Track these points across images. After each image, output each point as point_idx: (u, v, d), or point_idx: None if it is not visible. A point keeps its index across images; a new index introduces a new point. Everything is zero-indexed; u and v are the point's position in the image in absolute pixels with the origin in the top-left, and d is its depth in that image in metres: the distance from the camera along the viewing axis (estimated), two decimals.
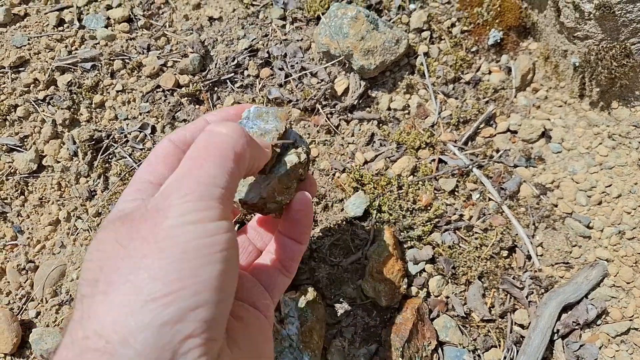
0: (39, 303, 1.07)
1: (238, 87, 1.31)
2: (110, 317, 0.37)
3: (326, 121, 1.24)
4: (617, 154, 1.10)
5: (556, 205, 1.08)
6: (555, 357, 0.94)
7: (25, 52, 1.40)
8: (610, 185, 1.07)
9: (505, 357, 0.94)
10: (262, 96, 1.28)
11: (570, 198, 1.08)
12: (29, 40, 1.42)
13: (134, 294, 0.37)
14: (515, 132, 1.19)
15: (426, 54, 1.30)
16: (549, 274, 1.01)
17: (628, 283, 0.98)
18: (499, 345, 0.96)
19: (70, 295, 1.07)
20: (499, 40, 1.30)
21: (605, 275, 0.98)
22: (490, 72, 1.30)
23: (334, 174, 1.19)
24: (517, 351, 0.94)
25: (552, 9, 1.16)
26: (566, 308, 0.97)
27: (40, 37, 1.42)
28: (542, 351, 0.91)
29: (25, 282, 1.10)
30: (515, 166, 1.13)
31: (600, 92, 1.15)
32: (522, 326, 0.97)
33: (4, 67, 1.38)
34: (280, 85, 1.30)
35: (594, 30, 1.07)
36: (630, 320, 0.96)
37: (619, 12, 1.01)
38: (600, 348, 0.94)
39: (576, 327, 0.95)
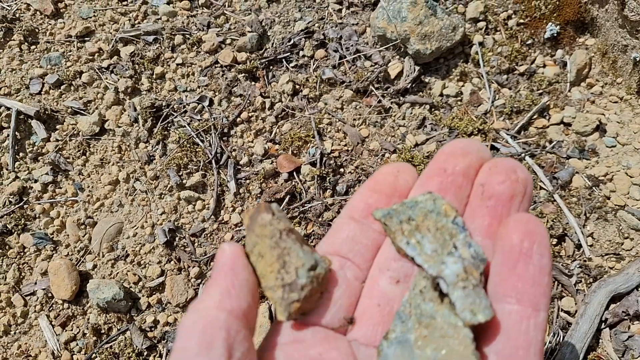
0: (96, 256, 1.12)
1: (293, 67, 1.35)
2: None
3: (378, 103, 1.26)
4: None
5: (609, 198, 1.07)
6: (602, 345, 0.94)
7: (90, 23, 1.47)
8: None
9: (551, 342, 0.94)
10: (316, 76, 1.31)
11: (623, 191, 1.07)
12: (94, 12, 1.49)
13: None
14: (568, 124, 1.18)
15: (481, 44, 1.31)
16: (598, 263, 1.00)
17: None
18: (546, 330, 0.96)
19: (126, 251, 1.12)
20: (555, 35, 1.29)
21: None
22: (544, 66, 1.30)
23: (383, 155, 1.20)
24: (563, 336, 0.93)
25: (615, 2, 1.15)
26: (615, 298, 0.96)
27: (106, 10, 1.49)
28: (590, 338, 0.91)
29: (83, 236, 1.15)
30: (568, 157, 1.13)
31: None
32: (568, 313, 0.97)
33: (71, 37, 1.44)
34: (334, 67, 1.33)
35: None
36: None
37: None
38: None
39: (625, 318, 0.94)
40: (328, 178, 1.18)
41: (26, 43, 1.42)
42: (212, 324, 0.35)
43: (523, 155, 1.14)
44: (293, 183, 1.18)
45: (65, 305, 1.07)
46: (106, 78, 1.36)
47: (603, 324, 0.95)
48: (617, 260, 1.02)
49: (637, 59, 1.15)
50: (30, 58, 1.40)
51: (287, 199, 1.15)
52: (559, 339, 0.95)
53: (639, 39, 1.14)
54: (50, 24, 1.48)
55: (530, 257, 0.33)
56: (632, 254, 1.02)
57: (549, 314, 0.98)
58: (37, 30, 1.45)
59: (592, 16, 1.28)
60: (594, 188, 1.10)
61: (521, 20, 1.33)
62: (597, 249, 1.04)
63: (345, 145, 1.25)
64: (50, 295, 1.08)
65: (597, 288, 0.97)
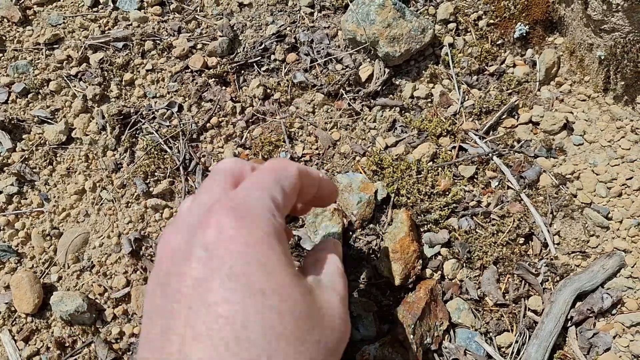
0: (61, 268, 1.12)
1: (264, 71, 1.35)
2: None
3: (349, 106, 1.27)
4: (639, 148, 1.11)
5: (575, 196, 1.09)
6: (568, 343, 0.95)
7: (60, 30, 1.47)
8: (631, 178, 1.08)
9: (517, 341, 0.95)
10: (288, 80, 1.31)
11: (590, 189, 1.09)
12: (64, 19, 1.49)
13: None
14: (537, 123, 1.20)
15: (451, 45, 1.33)
16: (565, 262, 1.02)
17: None
18: (512, 330, 0.97)
19: (92, 261, 1.12)
20: (524, 34, 1.31)
21: (622, 265, 0.99)
22: (514, 65, 1.32)
23: (354, 157, 1.21)
24: (530, 336, 0.95)
25: (579, 1, 1.17)
26: (581, 296, 0.98)
27: (75, 16, 1.49)
28: (555, 337, 0.92)
29: (49, 248, 1.15)
30: (536, 156, 1.15)
31: (625, 85, 1.16)
32: (535, 312, 0.98)
33: (39, 44, 1.44)
34: (306, 70, 1.34)
35: (621, 22, 1.08)
36: None
37: None
38: (614, 337, 0.94)
39: (590, 315, 0.95)
40: None
41: None
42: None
43: (491, 155, 1.15)
44: None
45: (29, 319, 1.07)
46: (74, 86, 1.36)
47: (569, 322, 0.96)
48: (583, 258, 1.03)
49: (602, 57, 1.17)
50: None
51: None
52: (525, 338, 0.96)
53: (602, 37, 1.16)
54: (18, 32, 1.47)
55: None
56: (598, 251, 1.04)
57: (516, 314, 1.00)
58: (4, 38, 1.44)
59: (559, 15, 1.30)
60: (560, 186, 1.11)
61: (491, 21, 1.35)
62: (563, 247, 1.05)
63: (317, 149, 1.25)
64: (13, 309, 1.08)
65: (562, 286, 0.98)
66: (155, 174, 1.20)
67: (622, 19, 1.08)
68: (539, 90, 1.28)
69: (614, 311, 0.98)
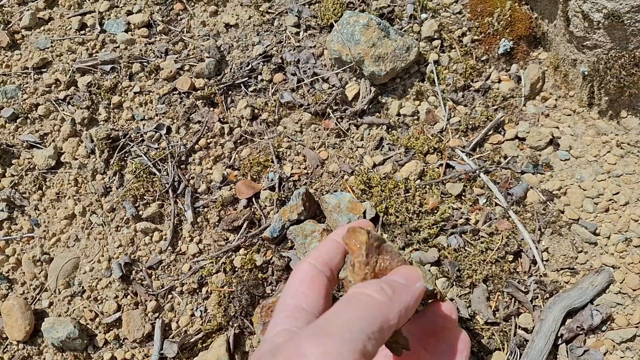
0: (52, 294, 1.11)
1: (252, 91, 1.36)
2: None
3: (336, 125, 1.27)
4: (625, 163, 1.12)
5: (563, 212, 1.09)
6: None
7: (48, 54, 1.47)
8: (617, 193, 1.08)
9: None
10: (275, 100, 1.31)
11: (577, 205, 1.09)
12: (52, 43, 1.49)
13: None
14: (523, 139, 1.20)
15: (436, 62, 1.33)
16: (554, 279, 1.02)
17: (634, 290, 0.99)
18: (503, 348, 0.97)
19: (83, 286, 1.11)
20: (509, 50, 1.32)
21: (611, 281, 0.99)
22: (500, 81, 1.32)
23: (342, 176, 1.21)
24: (521, 354, 0.94)
25: (561, 18, 1.18)
26: (571, 313, 0.98)
27: (63, 40, 1.49)
28: (546, 355, 0.92)
29: (39, 273, 1.14)
30: (523, 172, 1.15)
31: (609, 101, 1.17)
32: (526, 330, 0.98)
33: (28, 68, 1.44)
34: (293, 90, 1.34)
35: (603, 39, 1.09)
36: (636, 327, 0.96)
37: (628, 21, 1.03)
38: (604, 354, 0.94)
39: (580, 332, 0.95)
40: (288, 202, 1.18)
41: None
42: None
43: (478, 172, 1.15)
44: (252, 209, 1.18)
45: (20, 346, 1.06)
46: (63, 110, 1.36)
47: (559, 339, 0.96)
48: (572, 274, 1.03)
49: (585, 73, 1.18)
50: None
51: (245, 226, 1.15)
52: (516, 357, 0.95)
53: (585, 53, 1.16)
54: (6, 56, 1.47)
55: None
56: (586, 267, 1.04)
57: (507, 332, 0.99)
58: None
59: (542, 31, 1.31)
60: (548, 202, 1.11)
61: (475, 37, 1.36)
62: (552, 263, 1.05)
63: (305, 168, 1.25)
64: (4, 336, 1.07)
65: (552, 304, 0.98)
66: (145, 197, 1.20)
67: (603, 35, 1.09)
68: (524, 105, 1.29)
69: (604, 328, 0.98)
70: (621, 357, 0.94)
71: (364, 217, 1.11)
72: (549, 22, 1.27)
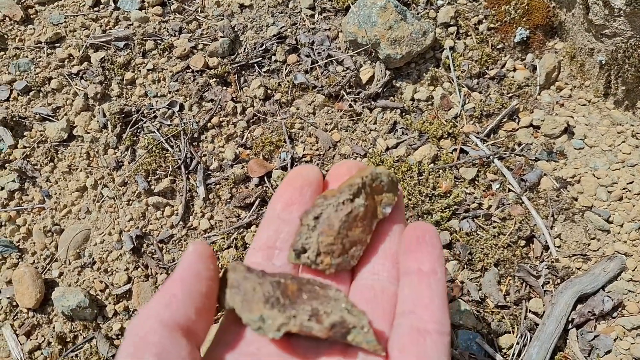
0: (62, 264, 1.11)
1: (265, 72, 1.35)
2: None
3: (350, 107, 1.27)
4: None
5: (576, 199, 1.09)
6: (568, 346, 0.95)
7: (61, 29, 1.46)
8: (632, 182, 1.08)
9: (518, 343, 0.95)
10: (288, 81, 1.31)
11: (590, 193, 1.09)
12: (65, 18, 1.48)
13: None
14: (537, 127, 1.20)
15: (452, 49, 1.33)
16: (565, 264, 1.02)
17: None
18: (513, 331, 0.97)
19: (93, 258, 1.11)
20: (525, 39, 1.32)
21: (623, 269, 0.99)
22: (515, 69, 1.32)
23: (354, 159, 1.21)
24: (531, 337, 0.94)
25: (580, 6, 1.18)
26: (582, 299, 0.98)
27: (77, 16, 1.49)
28: (556, 338, 0.92)
29: (50, 244, 1.14)
30: (537, 160, 1.15)
31: (625, 90, 1.16)
32: (536, 314, 0.98)
33: (41, 43, 1.44)
34: (306, 72, 1.34)
35: (623, 27, 1.08)
36: None
37: None
38: (615, 340, 0.94)
39: (591, 318, 0.95)
40: None
41: None
42: (146, 338, 0.36)
43: (492, 158, 1.15)
44: (264, 188, 1.18)
45: (30, 313, 1.06)
46: (76, 84, 1.36)
47: (570, 324, 0.96)
48: (584, 260, 1.03)
49: (603, 62, 1.17)
50: None
51: (257, 203, 1.15)
52: (526, 340, 0.95)
53: (603, 42, 1.16)
54: (20, 30, 1.47)
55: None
56: (599, 254, 1.04)
57: (517, 315, 0.99)
58: (6, 36, 1.44)
59: (560, 20, 1.31)
60: (561, 190, 1.11)
61: (492, 25, 1.35)
62: (564, 250, 1.05)
63: (317, 149, 1.25)
64: (15, 304, 1.07)
65: (563, 289, 0.98)
66: (157, 172, 1.20)
67: (623, 23, 1.09)
68: (539, 94, 1.28)
69: (614, 314, 0.98)
70: (631, 344, 0.94)
71: None
72: (567, 10, 1.27)
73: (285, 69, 1.36)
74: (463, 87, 1.29)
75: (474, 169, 1.14)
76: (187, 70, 1.37)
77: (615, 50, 1.14)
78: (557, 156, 1.16)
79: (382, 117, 1.27)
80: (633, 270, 1.00)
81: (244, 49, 1.40)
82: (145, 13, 1.47)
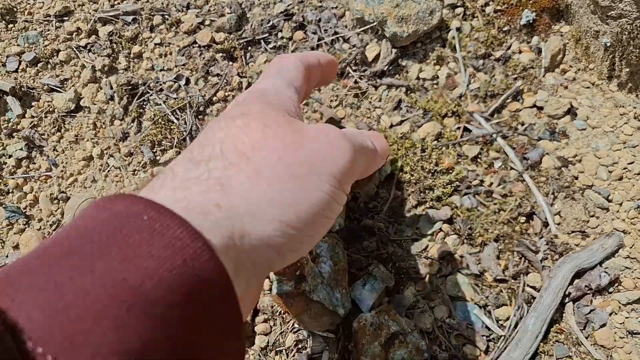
0: None
1: (271, 48, 1.36)
2: None
3: (355, 84, 1.28)
4: None
5: (577, 178, 1.10)
6: (565, 319, 0.96)
7: (70, 3, 1.47)
8: (632, 163, 1.09)
9: (515, 315, 0.96)
10: None
11: (591, 172, 1.10)
12: None
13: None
14: (541, 108, 1.21)
15: (458, 29, 1.34)
16: (564, 240, 1.03)
17: None
18: (510, 304, 0.98)
19: None
20: (531, 21, 1.32)
21: (621, 246, 1.01)
22: (520, 52, 1.33)
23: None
24: (528, 310, 0.96)
25: None
26: (579, 274, 0.99)
27: None
28: (553, 311, 0.94)
29: (56, 211, 1.16)
30: (539, 139, 1.16)
31: (629, 72, 1.17)
32: (534, 288, 1.00)
33: (50, 16, 1.45)
34: (313, 49, 1.35)
35: (629, 8, 1.09)
36: None
37: None
38: (610, 314, 0.96)
39: (588, 292, 0.97)
40: None
41: (4, 22, 1.43)
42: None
43: (495, 136, 1.16)
44: None
45: None
46: (83, 57, 1.37)
47: (567, 297, 0.98)
48: (583, 237, 1.05)
49: (608, 45, 1.18)
50: (7, 36, 1.41)
51: None
52: (523, 312, 0.97)
53: (609, 24, 1.17)
54: (29, 3, 1.48)
55: None
56: (597, 231, 1.05)
57: (515, 289, 1.01)
58: (15, 9, 1.45)
59: (566, 3, 1.31)
60: (562, 168, 1.13)
61: (498, 7, 1.36)
62: (563, 226, 1.07)
63: None
64: None
65: (562, 263, 0.99)
66: (162, 143, 1.21)
67: (629, 4, 1.09)
68: (543, 76, 1.29)
69: (611, 289, 0.99)
70: (626, 318, 0.95)
71: (380, 173, 1.13)
72: None
73: (292, 46, 1.37)
74: (468, 67, 1.30)
75: (477, 147, 1.16)
76: (194, 45, 1.39)
77: (620, 32, 1.15)
78: (559, 136, 1.17)
79: (387, 95, 1.28)
80: (630, 248, 1.01)
81: (251, 25, 1.41)
82: None
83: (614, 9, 1.14)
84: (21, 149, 1.22)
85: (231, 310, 0.37)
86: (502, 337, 0.96)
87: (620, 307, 0.97)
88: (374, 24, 1.29)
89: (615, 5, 1.12)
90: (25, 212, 1.16)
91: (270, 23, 1.40)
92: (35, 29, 1.43)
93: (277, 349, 0.99)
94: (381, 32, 1.31)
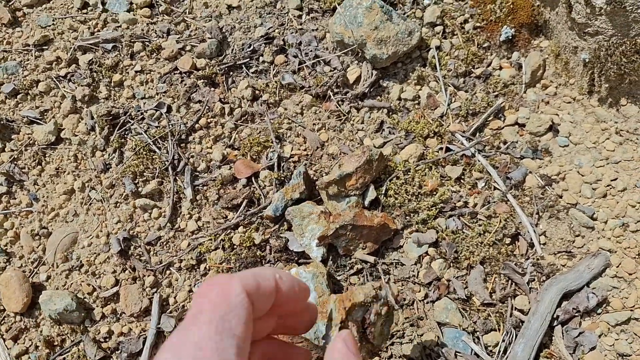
0: (49, 267, 1.11)
1: (253, 72, 1.35)
2: None
3: (337, 107, 1.27)
4: (624, 149, 1.12)
5: (561, 196, 1.09)
6: (554, 342, 0.95)
7: (49, 31, 1.45)
8: (615, 179, 1.08)
9: (504, 340, 0.95)
10: (276, 81, 1.31)
11: (575, 190, 1.09)
12: (53, 20, 1.47)
13: None
14: (523, 125, 1.20)
15: (438, 48, 1.32)
16: (551, 261, 1.02)
17: (630, 274, 0.99)
18: (499, 329, 0.97)
19: (81, 261, 1.10)
20: (510, 37, 1.31)
21: (608, 265, 0.99)
22: (501, 68, 1.32)
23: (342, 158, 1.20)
24: (516, 335, 0.94)
25: (563, 5, 1.17)
26: (567, 295, 0.98)
27: (65, 18, 1.47)
28: (541, 335, 0.92)
29: (37, 247, 1.13)
30: (522, 157, 1.15)
31: (609, 88, 1.16)
32: (522, 311, 0.98)
33: (29, 45, 1.43)
34: (294, 72, 1.33)
35: (605, 26, 1.08)
36: (631, 310, 0.96)
37: (630, 7, 1.03)
38: (599, 336, 0.94)
39: (576, 315, 0.95)
40: (287, 182, 1.18)
41: None
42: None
43: (475, 153, 1.15)
44: (251, 188, 1.18)
45: (17, 317, 1.05)
46: (64, 87, 1.35)
47: (555, 321, 0.96)
48: (569, 257, 1.03)
49: (586, 60, 1.17)
50: None
51: (244, 204, 1.15)
52: (512, 337, 0.95)
53: (586, 40, 1.16)
54: (7, 33, 1.46)
55: None
56: (583, 251, 1.04)
57: (503, 313, 0.99)
58: None
59: (544, 19, 1.30)
60: (546, 187, 1.11)
61: (477, 24, 1.35)
62: (549, 247, 1.05)
63: (305, 149, 1.25)
64: (1, 308, 1.06)
65: (548, 285, 0.98)
66: (144, 174, 1.19)
67: (605, 22, 1.09)
68: (524, 92, 1.28)
69: (599, 310, 0.98)
70: (616, 339, 0.94)
71: (363, 198, 1.11)
72: (551, 9, 1.27)
73: (273, 70, 1.35)
74: (449, 86, 1.29)
75: (460, 168, 1.14)
76: (175, 72, 1.36)
77: (598, 49, 1.14)
78: (542, 154, 1.16)
79: (369, 117, 1.27)
80: (617, 267, 1.00)
81: (232, 50, 1.39)
82: (134, 15, 1.46)
83: (590, 26, 1.13)
84: (1, 184, 1.20)
85: None
86: None
87: (609, 328, 0.95)
88: (354, 46, 1.27)
89: (592, 22, 1.12)
90: (6, 249, 1.14)
91: (251, 47, 1.38)
92: (15, 59, 1.40)
93: None
94: (361, 54, 1.30)
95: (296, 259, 1.08)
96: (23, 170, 1.23)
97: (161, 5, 1.47)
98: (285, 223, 1.12)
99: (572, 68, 1.25)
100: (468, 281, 1.02)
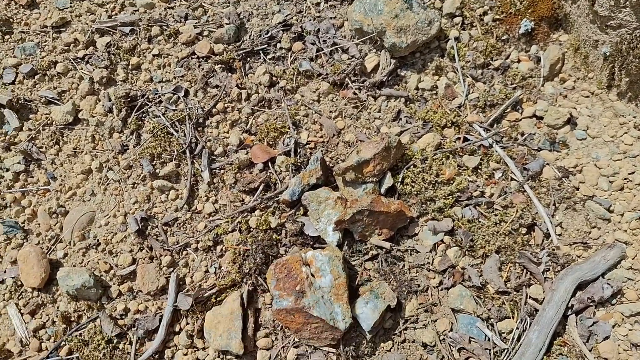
0: (67, 245, 1.12)
1: (270, 59, 1.35)
2: None
3: (354, 95, 1.27)
4: None
5: (578, 188, 1.09)
6: (568, 331, 0.96)
7: (67, 14, 1.46)
8: (633, 173, 1.09)
9: (518, 328, 0.95)
10: (293, 68, 1.31)
11: (592, 182, 1.09)
12: (71, 3, 1.48)
13: None
14: (541, 117, 1.21)
15: (457, 39, 1.33)
16: (566, 252, 1.02)
17: None
18: (513, 316, 0.97)
19: (98, 239, 1.11)
20: (530, 30, 1.32)
21: (623, 257, 1.00)
22: (519, 61, 1.32)
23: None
24: (530, 323, 0.95)
25: None
26: (582, 285, 0.98)
27: (82, 1, 1.48)
28: (556, 324, 0.93)
29: (55, 225, 1.14)
30: (539, 149, 1.15)
31: (629, 82, 1.17)
32: (536, 300, 0.99)
33: (47, 27, 1.43)
34: (311, 59, 1.34)
35: (629, 18, 1.09)
36: None
37: None
38: (613, 326, 0.95)
39: (591, 304, 0.96)
40: (304, 168, 1.18)
41: (0, 33, 1.41)
42: None
43: (492, 143, 1.15)
44: (268, 173, 1.18)
45: (35, 293, 1.07)
46: (81, 68, 1.36)
47: (569, 310, 0.97)
48: (585, 248, 1.04)
49: (607, 54, 1.17)
50: (4, 48, 1.39)
51: (261, 188, 1.16)
52: (526, 325, 0.96)
53: (608, 34, 1.16)
54: (25, 14, 1.46)
55: None
56: (599, 242, 1.04)
57: (517, 301, 1.00)
58: (11, 20, 1.44)
59: (565, 12, 1.30)
60: (563, 179, 1.12)
61: (497, 16, 1.35)
62: (565, 237, 1.06)
63: (321, 137, 1.25)
64: (19, 283, 1.07)
65: (564, 275, 0.98)
66: (162, 156, 1.20)
67: (629, 14, 1.09)
68: (542, 85, 1.28)
69: (613, 301, 0.98)
70: (630, 330, 0.94)
71: (380, 185, 1.11)
72: (572, 2, 1.27)
73: (291, 57, 1.36)
74: (467, 77, 1.29)
75: (477, 158, 1.15)
76: (193, 56, 1.37)
77: (619, 42, 1.14)
78: (559, 146, 1.16)
79: (387, 106, 1.27)
80: (633, 259, 1.00)
81: (250, 35, 1.40)
82: None
83: (613, 19, 1.13)
84: (19, 163, 1.21)
85: None
86: (506, 351, 0.95)
87: (623, 319, 0.96)
88: (373, 34, 1.28)
89: (615, 15, 1.12)
90: (24, 226, 1.15)
91: (269, 34, 1.38)
92: (32, 40, 1.41)
93: None
94: (380, 42, 1.30)
95: (311, 243, 1.09)
96: (41, 149, 1.24)
97: None
98: (301, 208, 1.12)
99: (591, 62, 1.25)
100: (483, 269, 1.03)
